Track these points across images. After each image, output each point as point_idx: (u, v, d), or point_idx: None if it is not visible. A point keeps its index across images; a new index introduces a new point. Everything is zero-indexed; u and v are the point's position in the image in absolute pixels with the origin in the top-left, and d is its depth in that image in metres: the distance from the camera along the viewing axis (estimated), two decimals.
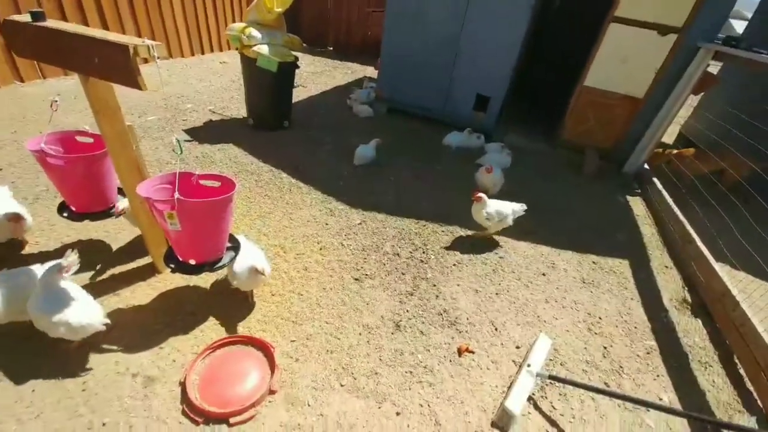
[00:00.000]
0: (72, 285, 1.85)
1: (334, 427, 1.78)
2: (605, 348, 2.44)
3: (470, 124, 5.13)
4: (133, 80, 1.59)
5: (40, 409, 1.67)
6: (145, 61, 1.60)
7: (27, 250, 2.47)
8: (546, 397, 2.07)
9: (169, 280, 2.41)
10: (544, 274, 2.99)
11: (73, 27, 1.73)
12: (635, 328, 2.63)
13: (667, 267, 3.31)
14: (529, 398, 2.03)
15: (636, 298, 2.90)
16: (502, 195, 3.81)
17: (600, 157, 4.89)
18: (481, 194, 3.01)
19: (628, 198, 4.42)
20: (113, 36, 1.63)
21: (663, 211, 3.98)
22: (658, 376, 2.31)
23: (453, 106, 5.41)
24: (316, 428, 1.77)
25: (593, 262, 3.22)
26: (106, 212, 2.41)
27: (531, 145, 5.32)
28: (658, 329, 2.64)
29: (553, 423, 1.96)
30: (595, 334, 2.53)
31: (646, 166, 4.86)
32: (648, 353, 2.45)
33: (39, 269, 1.91)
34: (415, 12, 4.95)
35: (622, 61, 4.50)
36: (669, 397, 2.20)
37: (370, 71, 8.07)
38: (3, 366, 1.81)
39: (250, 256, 2.20)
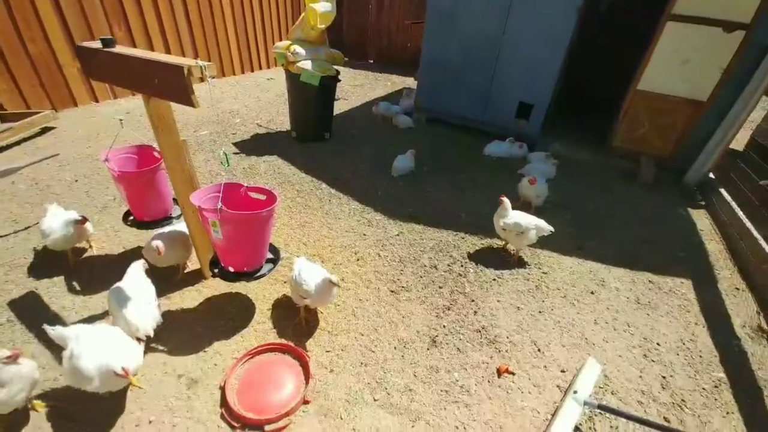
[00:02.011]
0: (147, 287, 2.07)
1: None
2: (664, 378, 2.21)
3: (512, 133, 4.97)
4: (187, 99, 1.71)
5: (98, 400, 1.80)
6: (201, 80, 1.71)
7: (95, 253, 2.72)
8: (595, 429, 1.91)
9: (214, 287, 2.53)
10: (592, 293, 2.79)
11: (136, 52, 1.90)
12: (700, 357, 2.36)
13: (738, 289, 2.96)
14: (576, 428, 1.88)
15: (701, 323, 2.61)
16: (549, 207, 3.65)
17: (657, 166, 4.53)
18: (504, 198, 2.89)
19: (690, 210, 4.03)
20: (171, 58, 1.77)
21: (733, 226, 3.58)
22: (728, 413, 2.05)
23: (494, 114, 5.28)
24: None
25: (649, 281, 2.95)
26: (164, 220, 2.61)
27: (579, 153, 5.04)
28: (728, 360, 2.35)
29: None
30: (653, 361, 2.30)
31: (711, 175, 4.42)
32: (716, 386, 2.19)
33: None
34: (456, 17, 4.92)
35: (682, 62, 4.15)
36: None
37: (410, 82, 8.12)
38: None
39: (319, 273, 2.17)
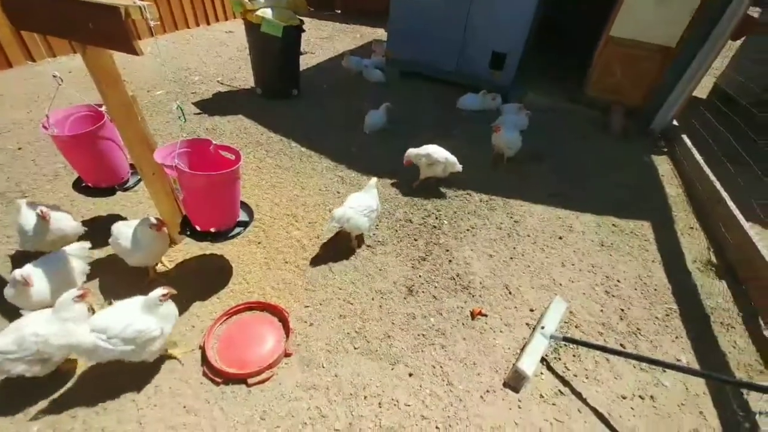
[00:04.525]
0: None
1: (348, 387, 1.84)
2: (623, 310, 2.39)
3: (487, 85, 4.89)
4: (128, 45, 1.54)
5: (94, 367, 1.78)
6: (150, 33, 1.53)
7: None
8: (559, 359, 2.07)
9: (185, 250, 2.47)
10: (560, 238, 2.91)
11: None
12: (655, 290, 2.56)
13: (692, 228, 3.17)
14: (542, 359, 2.03)
15: (657, 261, 2.80)
16: (523, 157, 3.68)
17: (627, 115, 4.60)
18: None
19: (654, 157, 4.18)
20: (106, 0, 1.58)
21: (691, 170, 3.76)
22: (676, 337, 2.27)
23: (468, 65, 5.13)
24: (332, 388, 1.83)
25: (613, 225, 3.10)
26: (118, 186, 2.45)
27: (553, 104, 5.03)
28: (679, 292, 2.56)
29: (566, 383, 1.96)
30: (613, 296, 2.48)
31: (675, 122, 4.55)
32: (667, 315, 2.39)
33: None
34: None
35: (656, 3, 4.08)
36: (687, 358, 2.16)
37: (381, 33, 7.72)
38: None
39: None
